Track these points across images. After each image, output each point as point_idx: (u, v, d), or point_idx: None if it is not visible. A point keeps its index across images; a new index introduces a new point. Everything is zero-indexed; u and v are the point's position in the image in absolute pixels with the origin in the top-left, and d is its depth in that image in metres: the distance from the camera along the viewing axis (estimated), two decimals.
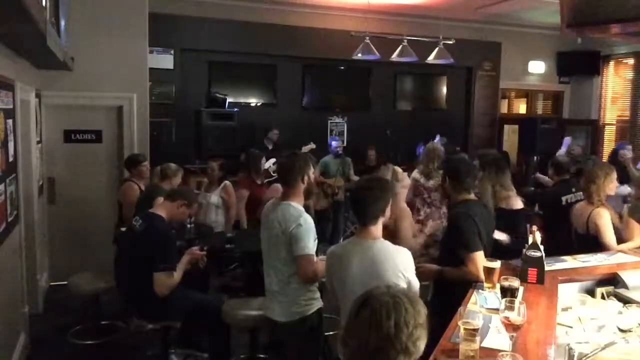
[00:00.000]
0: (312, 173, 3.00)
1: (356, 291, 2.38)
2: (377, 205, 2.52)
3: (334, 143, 7.21)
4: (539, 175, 6.11)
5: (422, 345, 1.52)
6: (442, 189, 3.28)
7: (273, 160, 6.80)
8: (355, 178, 7.18)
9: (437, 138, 7.36)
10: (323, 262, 2.78)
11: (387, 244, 2.54)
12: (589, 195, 3.72)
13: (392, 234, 3.43)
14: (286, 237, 2.81)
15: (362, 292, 2.30)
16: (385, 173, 3.76)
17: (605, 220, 3.56)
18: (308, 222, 2.82)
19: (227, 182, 5.32)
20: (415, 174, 5.04)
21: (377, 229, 2.55)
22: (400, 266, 2.44)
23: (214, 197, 5.22)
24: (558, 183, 4.71)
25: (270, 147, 7.18)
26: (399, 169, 3.90)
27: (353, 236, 2.71)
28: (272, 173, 6.61)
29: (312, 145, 7.07)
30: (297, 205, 2.89)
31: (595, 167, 3.95)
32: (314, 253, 2.82)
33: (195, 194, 4.63)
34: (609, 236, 3.54)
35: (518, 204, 3.65)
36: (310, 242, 2.80)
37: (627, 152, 6.05)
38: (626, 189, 5.28)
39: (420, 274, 2.81)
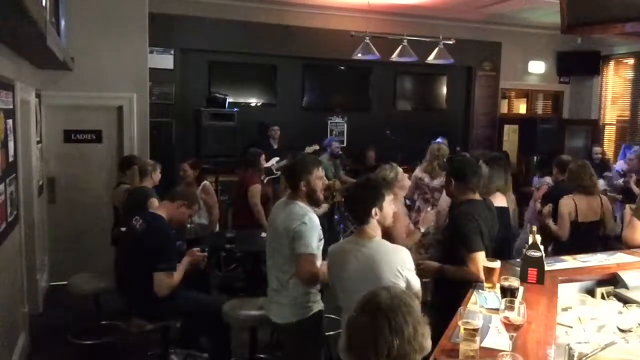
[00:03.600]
0: (316, 178, 2.89)
1: (354, 290, 2.39)
2: (365, 205, 2.52)
3: (334, 143, 7.21)
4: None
5: (429, 340, 1.58)
6: (446, 190, 3.26)
7: (277, 159, 6.81)
8: (347, 179, 7.20)
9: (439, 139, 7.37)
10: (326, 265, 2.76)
11: (384, 243, 2.54)
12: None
13: (387, 233, 3.43)
14: (289, 235, 2.77)
15: (359, 290, 2.30)
16: (386, 172, 3.73)
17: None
18: (313, 221, 2.78)
19: (206, 182, 5.14)
20: (418, 172, 4.99)
21: (372, 228, 2.54)
22: (398, 265, 2.43)
23: None
24: (561, 182, 4.73)
25: (275, 146, 7.21)
26: (399, 169, 3.86)
27: (351, 235, 2.72)
28: (274, 171, 6.61)
29: (316, 147, 7.09)
30: (303, 204, 2.86)
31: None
32: (315, 254, 2.78)
33: (196, 195, 4.61)
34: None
35: (500, 201, 3.66)
36: (312, 242, 2.75)
37: None
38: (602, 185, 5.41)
39: (421, 271, 2.82)
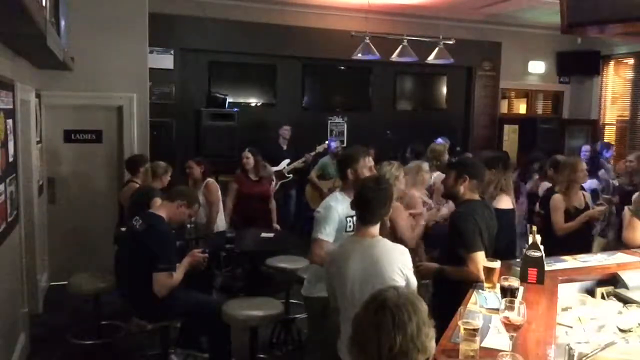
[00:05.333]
0: (363, 167, 3.08)
1: (356, 289, 2.40)
2: (386, 207, 2.54)
3: (332, 144, 7.22)
4: None
5: (434, 342, 1.57)
6: (452, 188, 3.22)
7: (287, 161, 6.78)
8: None
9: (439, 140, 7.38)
10: None
11: (386, 241, 2.54)
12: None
13: (391, 230, 3.43)
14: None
15: (361, 289, 2.31)
16: (393, 167, 3.75)
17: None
18: (330, 210, 2.97)
19: (209, 179, 5.19)
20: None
21: (376, 227, 2.55)
22: (399, 263, 2.44)
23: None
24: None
25: (284, 147, 7.15)
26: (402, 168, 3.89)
27: (352, 234, 2.71)
28: (286, 174, 6.60)
29: (325, 145, 7.11)
30: (340, 194, 3.07)
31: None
32: (323, 240, 2.92)
33: (196, 195, 4.61)
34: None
35: (505, 203, 3.67)
36: (324, 229, 2.94)
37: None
38: (594, 183, 5.35)
39: (419, 272, 2.81)
